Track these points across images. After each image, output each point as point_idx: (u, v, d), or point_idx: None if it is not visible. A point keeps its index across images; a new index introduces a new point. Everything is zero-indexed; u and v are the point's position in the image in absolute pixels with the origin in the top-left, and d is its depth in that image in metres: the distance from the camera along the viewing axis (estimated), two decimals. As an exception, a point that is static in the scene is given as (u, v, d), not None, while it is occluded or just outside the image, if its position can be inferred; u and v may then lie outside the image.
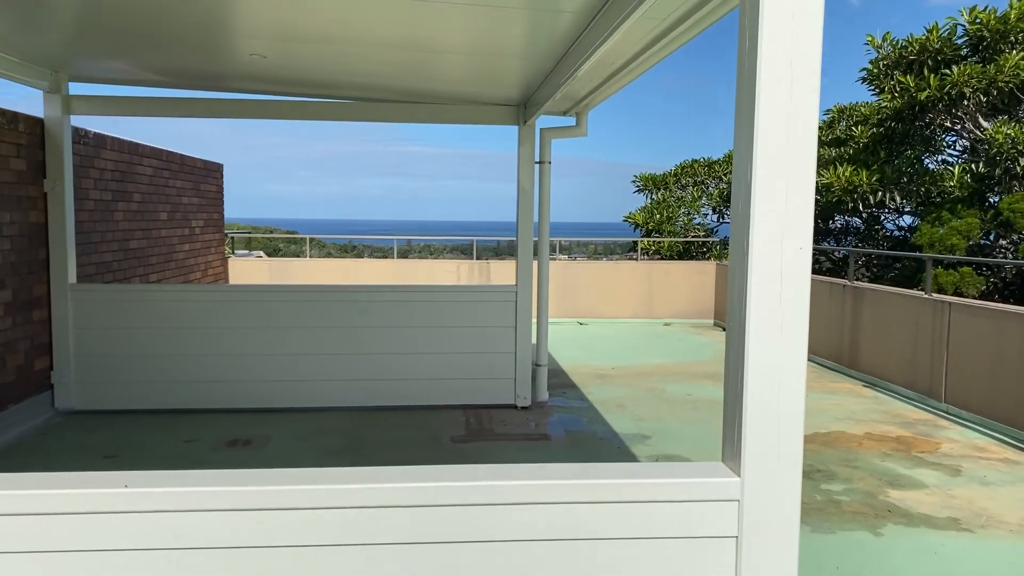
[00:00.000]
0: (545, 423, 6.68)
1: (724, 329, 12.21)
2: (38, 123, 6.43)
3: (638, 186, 16.44)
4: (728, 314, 1.97)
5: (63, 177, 6.50)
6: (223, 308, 6.71)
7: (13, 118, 6.07)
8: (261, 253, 14.54)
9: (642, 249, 15.57)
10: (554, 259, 13.09)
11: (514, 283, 6.97)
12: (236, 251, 14.19)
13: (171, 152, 9.72)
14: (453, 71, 5.92)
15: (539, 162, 7.01)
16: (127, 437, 6.05)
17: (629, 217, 15.54)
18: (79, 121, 7.07)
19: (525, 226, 6.94)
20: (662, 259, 14.98)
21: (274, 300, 6.79)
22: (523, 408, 7.05)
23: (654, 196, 16.18)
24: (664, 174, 16.43)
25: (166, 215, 9.51)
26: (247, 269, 12.37)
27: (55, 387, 6.64)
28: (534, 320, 7.26)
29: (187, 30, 4.85)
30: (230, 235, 13.32)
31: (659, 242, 14.75)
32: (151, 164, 9.01)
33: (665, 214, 15.08)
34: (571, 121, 7.12)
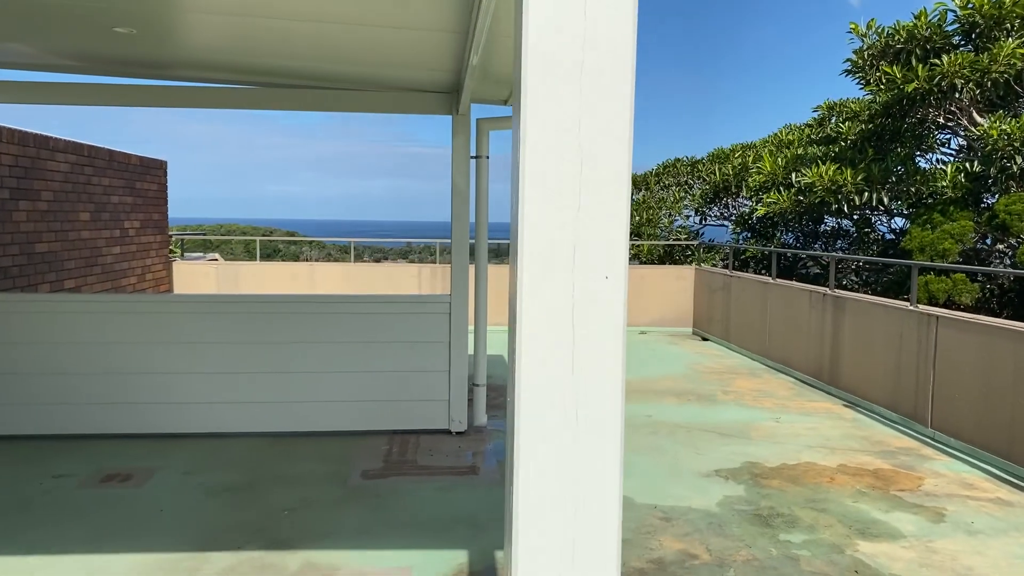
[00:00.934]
0: (479, 451, 5.90)
1: (704, 339, 11.45)
2: (-101, 111, 5.66)
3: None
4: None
5: (-69, 172, 5.74)
6: (116, 320, 5.94)
7: None
8: (217, 256, 13.78)
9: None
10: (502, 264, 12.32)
11: (448, 292, 6.20)
12: (189, 254, 13.43)
13: (95, 147, 8.96)
14: (372, 50, 5.15)
15: (475, 156, 6.24)
16: (-10, 470, 5.28)
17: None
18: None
19: (460, 228, 6.17)
20: (641, 263, 14.21)
21: (175, 312, 6.02)
22: (458, 433, 6.27)
23: (634, 197, 15.41)
24: (645, 174, 15.66)
25: (88, 215, 8.74)
26: (194, 273, 11.59)
27: (-77, 410, 5.87)
28: (472, 333, 6.49)
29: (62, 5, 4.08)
30: (177, 236, 12.59)
31: (638, 245, 13.97)
32: (66, 159, 8.24)
33: (645, 216, 14.31)
34: (511, 111, 6.34)
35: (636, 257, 14.19)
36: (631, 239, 14.41)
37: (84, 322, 5.94)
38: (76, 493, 4.91)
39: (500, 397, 7.54)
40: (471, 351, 6.46)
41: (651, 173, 15.46)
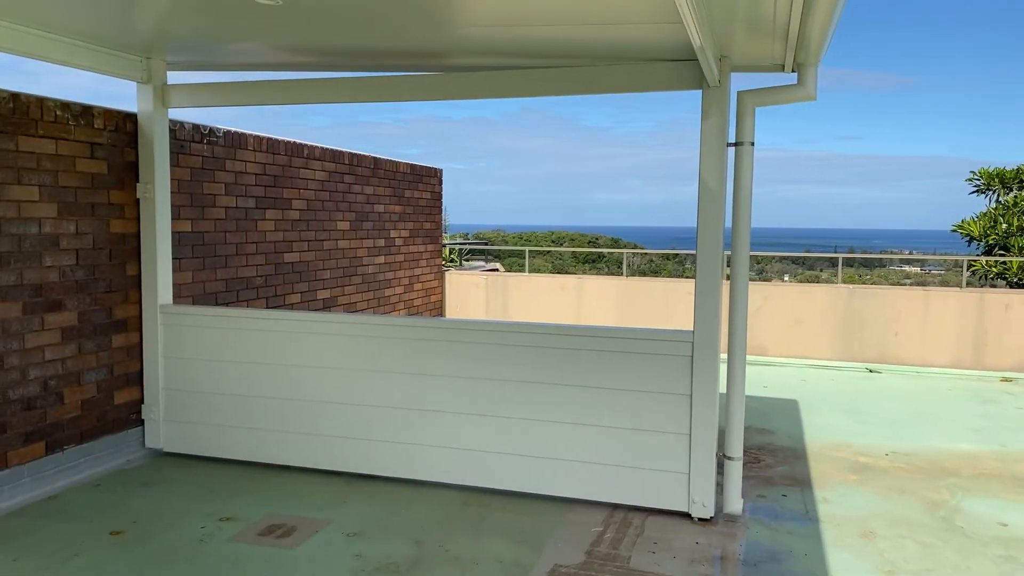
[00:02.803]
0: (730, 555, 4.19)
1: (1103, 395, 8.16)
2: (127, 119, 5.59)
3: (977, 185, 12.28)
4: None
5: (154, 180, 5.59)
6: (338, 344, 5.30)
7: (84, 112, 5.25)
8: (498, 266, 13.35)
9: (974, 271, 11.51)
10: (827, 282, 9.94)
11: (691, 327, 4.58)
12: (471, 264, 13.15)
13: (359, 155, 8.75)
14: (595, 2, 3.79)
15: (735, 143, 4.53)
16: (159, 504, 4.87)
17: (960, 227, 11.60)
18: (190, 115, 6.19)
19: (709, 240, 4.51)
20: (1009, 286, 10.86)
21: (373, 336, 5.21)
22: (700, 520, 4.61)
23: (1001, 199, 11.95)
24: (1018, 168, 12.07)
25: (348, 224, 8.53)
26: (464, 284, 11.15)
27: (146, 423, 5.77)
28: (726, 380, 4.76)
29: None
30: (450, 245, 12.36)
31: (1004, 262, 10.68)
32: (323, 168, 8.05)
33: (1016, 223, 10.92)
34: (789, 78, 4.52)
35: (1002, 276, 10.87)
36: (994, 255, 11.08)
37: (310, 344, 5.39)
38: (228, 547, 4.23)
39: (765, 468, 5.64)
40: (725, 401, 4.74)
41: (1027, 168, 11.84)
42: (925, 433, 6.71)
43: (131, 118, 5.60)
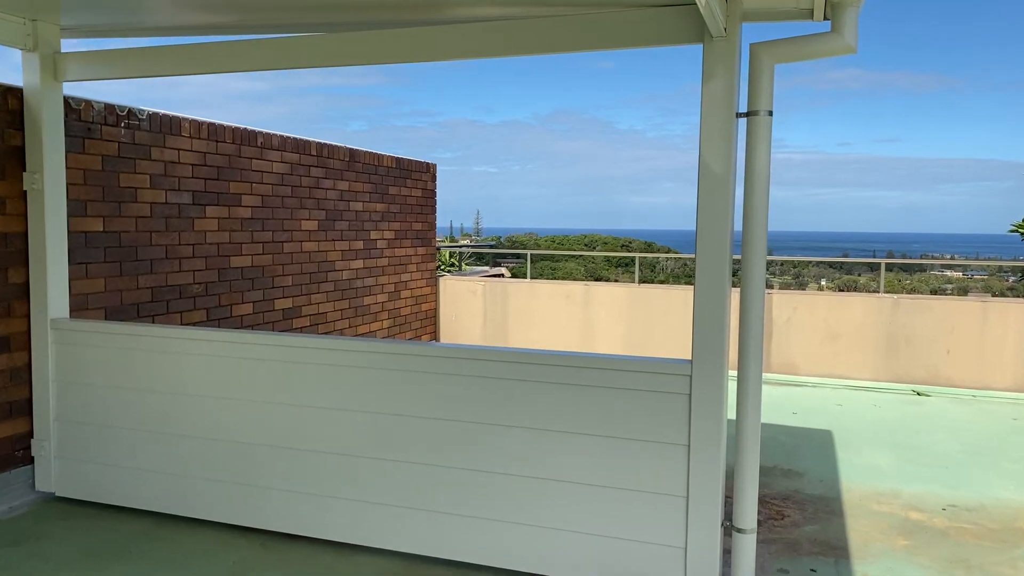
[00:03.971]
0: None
1: None
2: (8, 94, 4.63)
3: (1039, 182, 10.91)
4: None
5: (44, 169, 4.62)
6: (267, 371, 4.27)
7: (-56, 85, 4.29)
8: (503, 271, 12.28)
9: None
10: (868, 292, 8.69)
11: (689, 357, 3.47)
12: (474, 268, 12.11)
13: (330, 145, 7.75)
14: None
15: (746, 113, 3.41)
16: (15, 573, 3.87)
17: (1020, 226, 10.27)
18: (85, 90, 5.22)
19: (713, 236, 3.39)
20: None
21: (298, 360, 4.17)
22: (700, 610, 3.49)
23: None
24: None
25: (316, 224, 7.53)
26: (459, 291, 10.10)
27: (36, 461, 4.80)
28: (737, 423, 3.62)
29: None
30: (455, 248, 11.33)
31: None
32: (283, 159, 7.06)
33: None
34: (822, 26, 3.38)
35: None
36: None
37: (197, 366, 4.38)
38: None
39: (790, 528, 4.46)
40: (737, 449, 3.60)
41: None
42: (990, 479, 5.49)
43: (14, 93, 4.64)
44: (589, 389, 3.60)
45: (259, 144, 6.74)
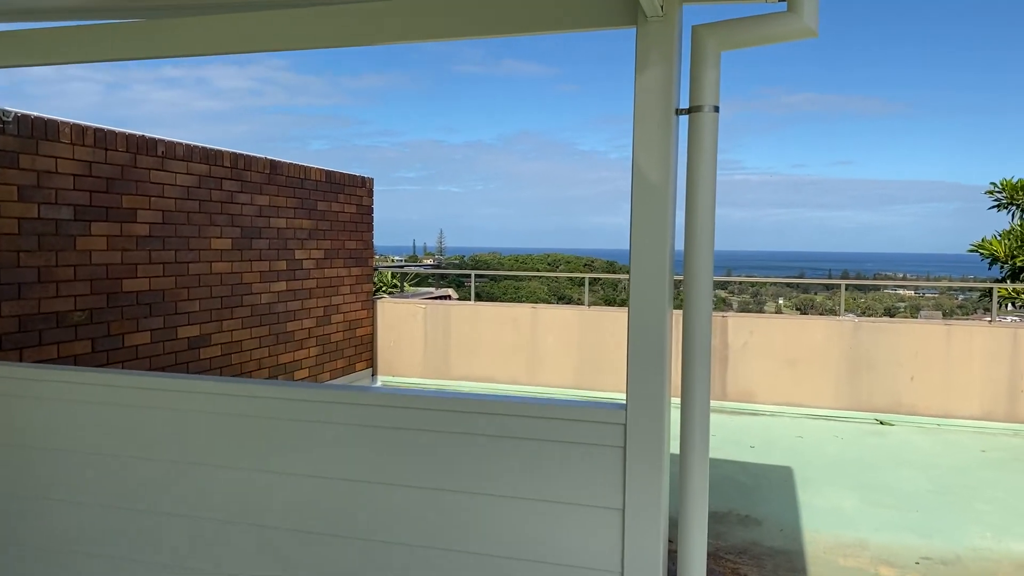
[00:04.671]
0: None
1: None
2: None
3: (998, 199, 10.64)
4: None
5: None
6: (124, 417, 3.54)
7: None
8: (450, 292, 11.63)
9: (1003, 298, 9.86)
10: (830, 316, 8.23)
11: (624, 398, 2.87)
12: (419, 289, 11.44)
13: (247, 156, 7.06)
14: None
15: (689, 109, 2.83)
16: None
17: (981, 246, 9.96)
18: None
19: (648, 251, 2.80)
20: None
21: (115, 402, 3.46)
22: None
23: (1028, 214, 10.31)
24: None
25: (229, 243, 6.82)
26: (398, 315, 9.42)
27: None
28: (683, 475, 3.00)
29: None
30: (384, 268, 10.67)
31: (1035, 289, 9.01)
32: (190, 171, 6.35)
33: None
34: (777, 7, 2.83)
35: (1032, 307, 9.21)
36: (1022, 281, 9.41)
37: (28, 412, 3.64)
38: None
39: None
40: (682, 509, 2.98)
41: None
42: (964, 524, 4.98)
43: None
44: (513, 442, 2.97)
45: (160, 153, 6.03)
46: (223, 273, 6.75)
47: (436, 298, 10.55)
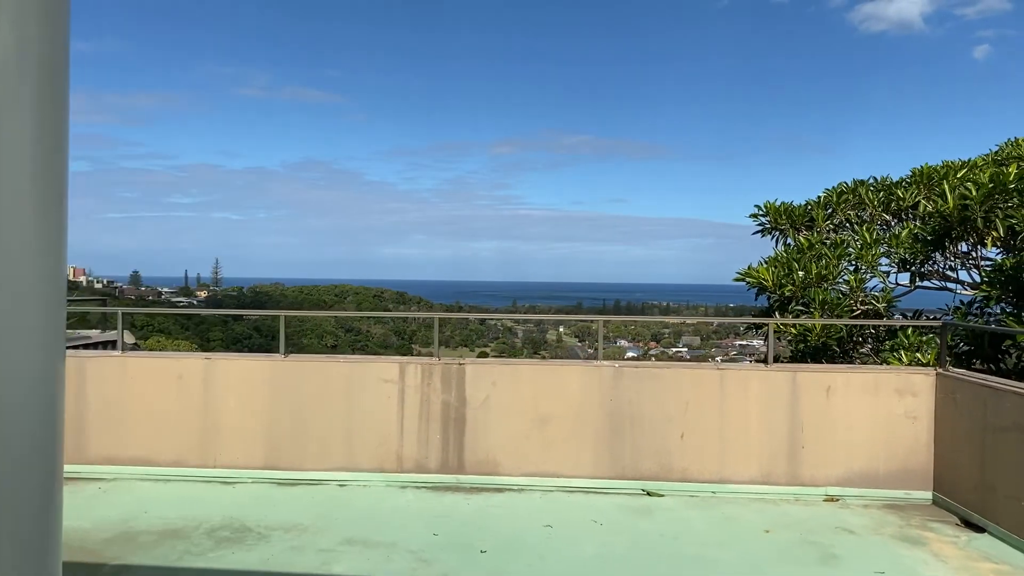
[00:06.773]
0: None
1: (968, 524, 5.44)
2: None
3: (762, 223, 9.87)
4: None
5: None
6: None
7: None
8: (129, 336, 8.86)
9: (760, 331, 8.96)
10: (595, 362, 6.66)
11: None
12: (76, 332, 8.56)
13: None
14: None
15: None
16: None
17: (748, 274, 9.01)
18: None
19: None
20: (804, 354, 8.31)
21: None
22: None
23: (791, 241, 9.59)
24: (806, 204, 9.85)
25: None
26: None
27: None
28: None
29: None
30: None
31: (803, 325, 8.10)
32: None
33: (814, 270, 8.46)
34: None
35: (803, 340, 8.30)
36: (791, 312, 8.51)
37: None
38: None
39: None
40: None
41: (817, 204, 9.60)
42: None
43: None
44: None
45: None
46: None
47: (94, 343, 7.78)
